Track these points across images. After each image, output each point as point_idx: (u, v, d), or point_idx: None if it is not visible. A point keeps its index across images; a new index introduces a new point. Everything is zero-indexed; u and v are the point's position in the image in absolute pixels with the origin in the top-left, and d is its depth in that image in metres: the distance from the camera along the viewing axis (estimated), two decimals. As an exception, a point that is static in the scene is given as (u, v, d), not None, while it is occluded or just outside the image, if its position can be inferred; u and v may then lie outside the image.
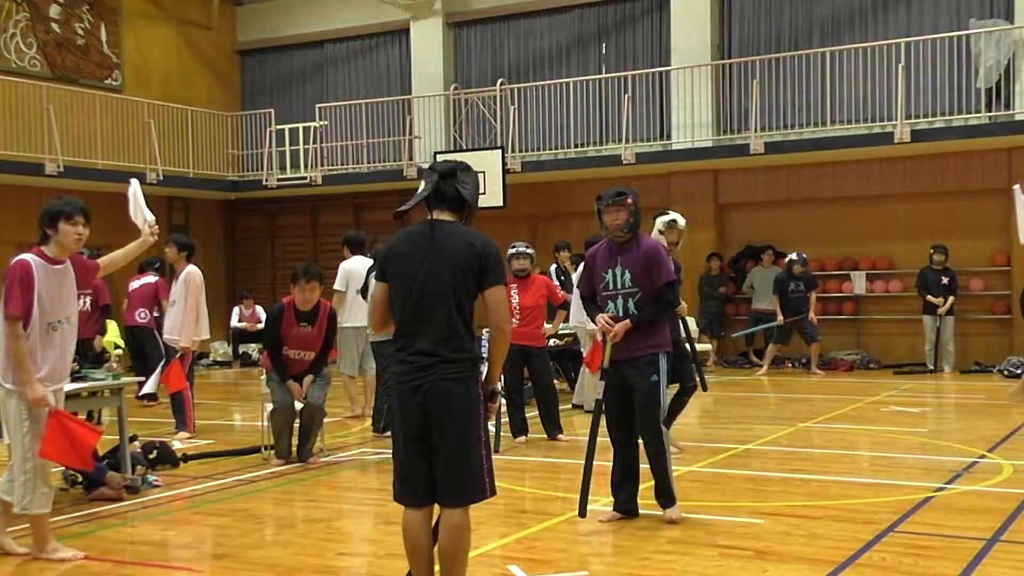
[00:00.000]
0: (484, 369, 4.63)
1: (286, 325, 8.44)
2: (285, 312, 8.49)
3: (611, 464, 6.38)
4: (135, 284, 12.59)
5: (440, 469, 4.39)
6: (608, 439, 6.34)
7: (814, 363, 15.52)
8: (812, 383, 14.45)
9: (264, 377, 8.95)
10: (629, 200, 6.19)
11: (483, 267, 4.39)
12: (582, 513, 6.14)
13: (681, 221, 8.60)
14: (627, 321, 6.11)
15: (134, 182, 7.05)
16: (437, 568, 4.54)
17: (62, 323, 5.72)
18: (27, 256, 5.61)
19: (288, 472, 8.23)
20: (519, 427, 9.60)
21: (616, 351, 6.17)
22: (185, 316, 9.83)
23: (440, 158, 16.67)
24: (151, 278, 12.66)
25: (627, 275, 6.19)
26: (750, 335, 16.32)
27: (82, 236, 5.73)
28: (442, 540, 4.44)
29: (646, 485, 6.40)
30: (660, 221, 8.51)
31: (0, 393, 5.65)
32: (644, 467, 6.32)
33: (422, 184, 4.57)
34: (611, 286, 6.24)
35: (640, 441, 6.30)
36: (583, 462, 6.20)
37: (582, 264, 7.19)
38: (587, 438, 6.28)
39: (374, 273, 4.95)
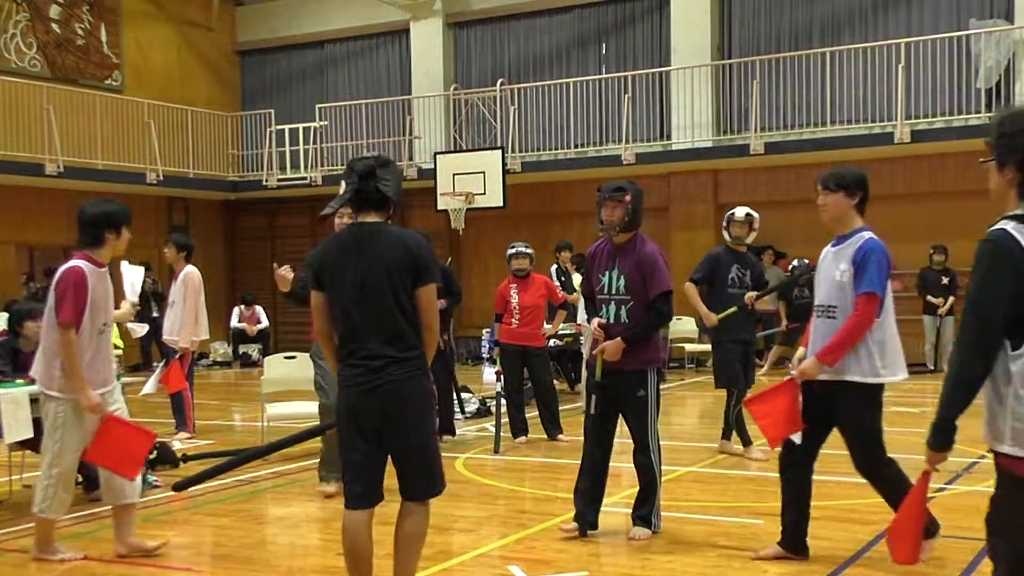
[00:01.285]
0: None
1: None
2: None
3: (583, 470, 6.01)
4: None
5: (404, 467, 4.48)
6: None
7: None
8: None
9: (314, 373, 7.54)
10: (628, 197, 5.84)
11: (417, 266, 4.41)
12: (583, 532, 5.91)
13: (739, 213, 8.35)
14: (619, 340, 5.75)
15: (139, 269, 7.38)
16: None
17: (107, 326, 5.78)
18: (79, 263, 5.62)
19: (288, 472, 8.23)
20: (519, 427, 9.60)
21: (606, 363, 5.87)
22: (184, 317, 9.83)
23: (440, 159, 16.87)
24: None
25: (622, 280, 5.85)
26: (769, 337, 16.13)
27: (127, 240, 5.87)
28: (404, 525, 4.54)
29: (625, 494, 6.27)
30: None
31: (42, 399, 5.71)
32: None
33: (342, 185, 4.55)
34: (606, 290, 5.93)
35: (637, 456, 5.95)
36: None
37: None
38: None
39: (309, 282, 4.79)
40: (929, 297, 15.15)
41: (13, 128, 16.66)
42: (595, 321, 5.93)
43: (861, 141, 15.77)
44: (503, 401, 9.51)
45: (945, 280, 15.20)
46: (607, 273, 5.92)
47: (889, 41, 15.91)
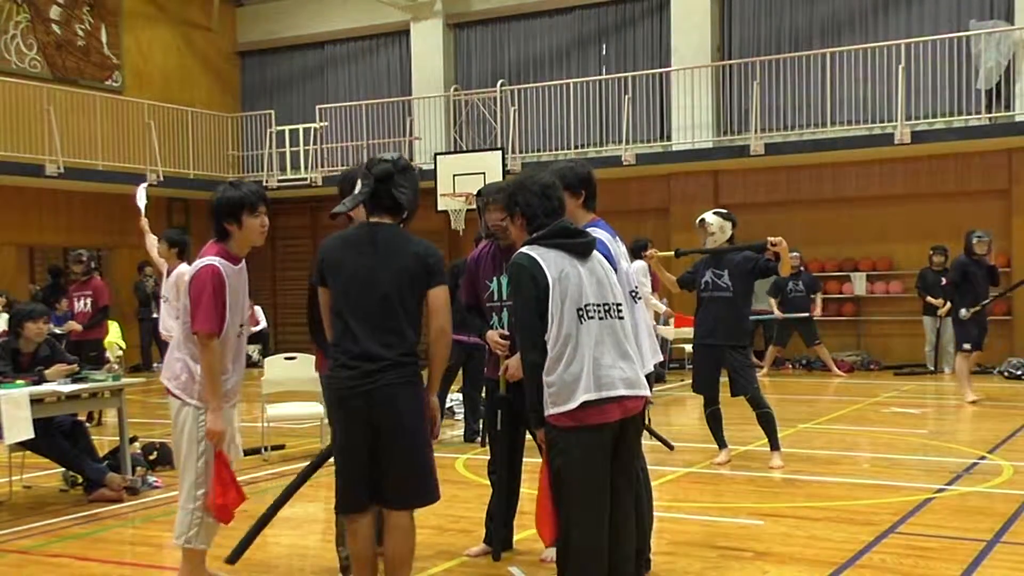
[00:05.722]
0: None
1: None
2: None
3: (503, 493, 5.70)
4: None
5: (391, 474, 4.36)
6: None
7: (831, 366, 15.46)
8: (810, 384, 14.45)
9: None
10: None
11: (428, 271, 4.36)
12: (496, 557, 5.57)
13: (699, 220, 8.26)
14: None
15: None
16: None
17: (243, 327, 5.00)
18: (214, 261, 4.76)
19: (288, 473, 8.21)
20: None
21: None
22: (165, 313, 9.73)
23: (440, 159, 16.87)
24: None
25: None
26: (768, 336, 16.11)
27: (266, 227, 4.91)
28: (392, 544, 4.43)
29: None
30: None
31: (175, 406, 4.91)
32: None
33: (358, 185, 4.47)
34: (495, 297, 5.46)
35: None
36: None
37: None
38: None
39: (313, 278, 4.64)
40: (929, 298, 15.12)
41: (13, 129, 16.66)
42: (495, 333, 5.41)
43: (861, 142, 15.77)
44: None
45: (945, 281, 15.17)
46: (495, 279, 5.49)
47: (889, 42, 15.91)
